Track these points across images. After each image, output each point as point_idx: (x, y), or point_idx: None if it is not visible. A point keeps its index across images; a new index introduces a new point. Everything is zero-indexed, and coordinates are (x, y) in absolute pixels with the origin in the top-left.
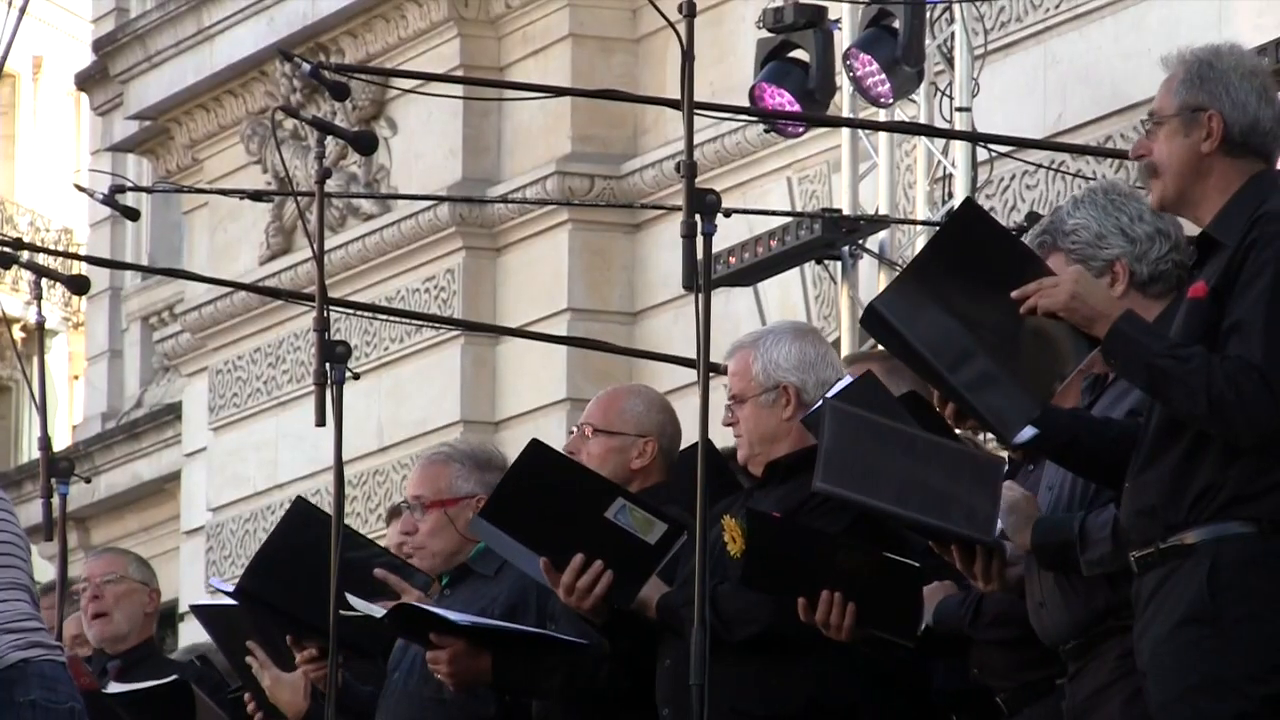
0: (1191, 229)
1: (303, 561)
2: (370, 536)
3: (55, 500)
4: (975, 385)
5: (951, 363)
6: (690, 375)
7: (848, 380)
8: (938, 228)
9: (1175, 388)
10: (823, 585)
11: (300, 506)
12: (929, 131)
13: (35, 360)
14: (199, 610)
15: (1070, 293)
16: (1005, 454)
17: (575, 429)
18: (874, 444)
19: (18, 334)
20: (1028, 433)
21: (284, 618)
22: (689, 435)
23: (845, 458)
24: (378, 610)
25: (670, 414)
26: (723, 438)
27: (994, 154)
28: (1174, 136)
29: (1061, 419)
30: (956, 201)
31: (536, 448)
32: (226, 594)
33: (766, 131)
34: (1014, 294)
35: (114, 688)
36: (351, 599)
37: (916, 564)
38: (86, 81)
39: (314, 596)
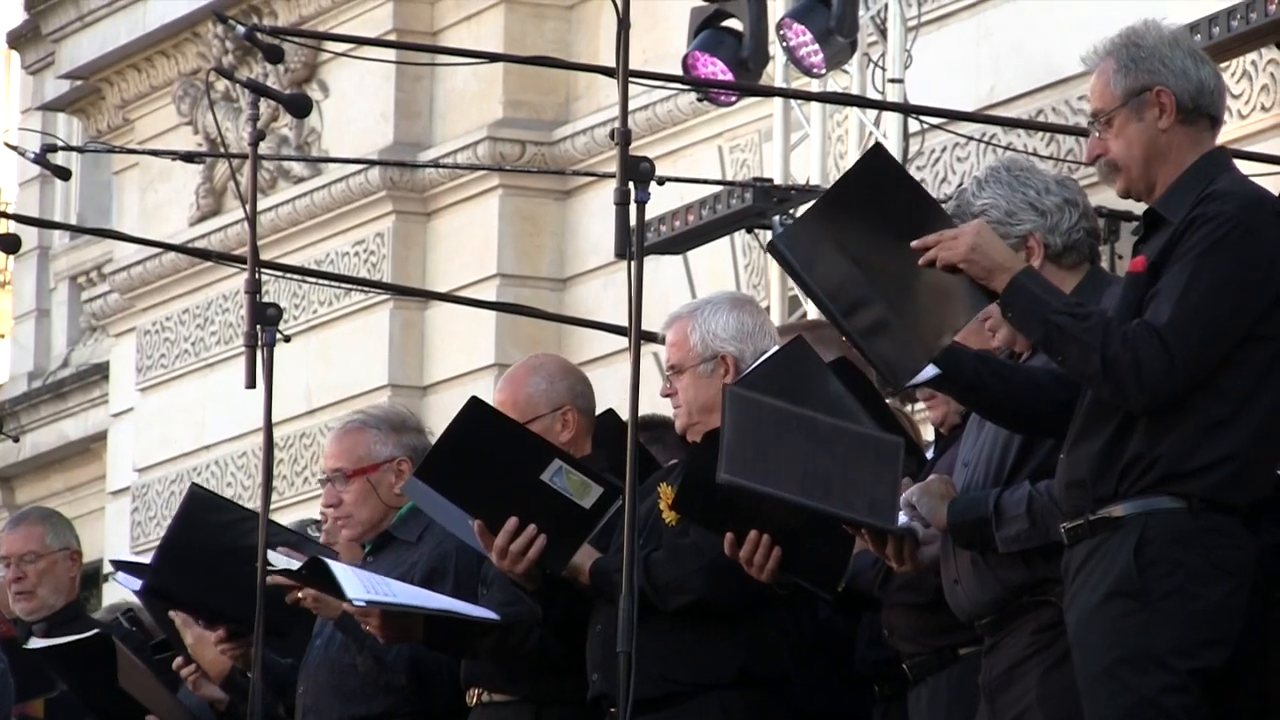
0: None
1: (206, 551)
2: (297, 499)
3: None
4: (869, 332)
5: (847, 308)
6: (619, 342)
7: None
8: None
9: (1070, 345)
10: (752, 525)
11: (196, 494)
12: (861, 102)
13: None
14: (123, 566)
15: (970, 245)
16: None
17: None
18: (775, 430)
19: None
20: (929, 371)
21: (194, 609)
22: (620, 403)
23: (746, 447)
24: (297, 563)
25: (574, 374)
26: (651, 405)
27: (926, 126)
28: (1127, 125)
29: (966, 361)
30: None
31: (476, 405)
32: (134, 590)
33: (699, 100)
34: (914, 244)
35: (35, 643)
36: (273, 556)
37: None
38: (18, 40)
39: (221, 585)
